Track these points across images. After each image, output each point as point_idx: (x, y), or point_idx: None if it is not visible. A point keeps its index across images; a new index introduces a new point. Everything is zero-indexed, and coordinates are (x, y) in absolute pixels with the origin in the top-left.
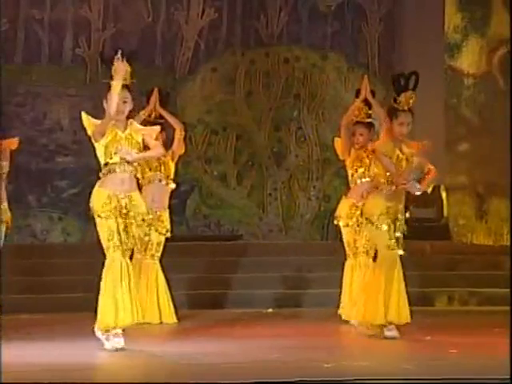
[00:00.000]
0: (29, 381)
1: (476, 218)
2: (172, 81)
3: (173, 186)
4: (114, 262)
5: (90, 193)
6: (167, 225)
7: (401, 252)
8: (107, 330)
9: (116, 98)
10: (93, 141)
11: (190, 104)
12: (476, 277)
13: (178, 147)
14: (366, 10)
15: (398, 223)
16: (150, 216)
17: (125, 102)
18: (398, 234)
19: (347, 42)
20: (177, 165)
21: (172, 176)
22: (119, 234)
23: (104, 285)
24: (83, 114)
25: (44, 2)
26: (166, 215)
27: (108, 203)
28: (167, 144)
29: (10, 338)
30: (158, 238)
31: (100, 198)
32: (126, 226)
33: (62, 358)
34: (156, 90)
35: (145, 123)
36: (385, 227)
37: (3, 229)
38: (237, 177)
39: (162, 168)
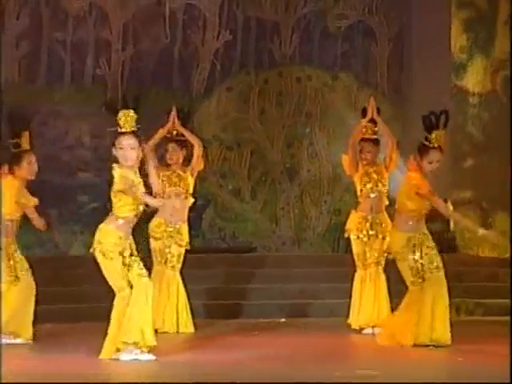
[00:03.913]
0: None
1: None
2: (189, 100)
3: (191, 200)
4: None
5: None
6: (186, 237)
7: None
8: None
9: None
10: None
11: (206, 122)
12: (481, 288)
13: (197, 163)
14: (375, 32)
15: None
16: (170, 229)
17: (132, 149)
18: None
19: (357, 62)
20: (195, 180)
21: (191, 191)
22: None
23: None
24: (118, 169)
25: (66, 25)
26: (185, 228)
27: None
28: (187, 160)
29: (37, 346)
30: (177, 250)
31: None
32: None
33: (79, 366)
34: (175, 108)
35: (165, 141)
36: (410, 259)
37: None
38: (251, 191)
39: (182, 183)
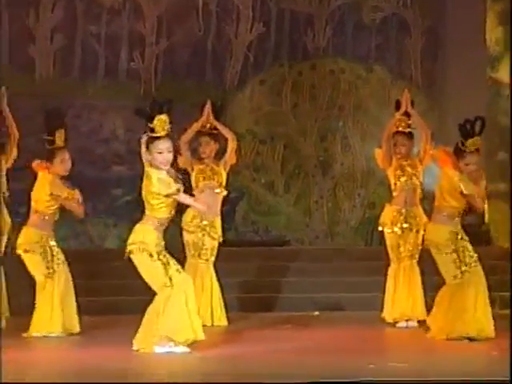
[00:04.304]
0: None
1: None
2: (222, 93)
3: (224, 193)
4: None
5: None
6: (219, 230)
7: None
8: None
9: (200, 205)
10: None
11: (239, 115)
12: None
13: (231, 157)
14: (409, 24)
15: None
16: (204, 222)
17: (169, 152)
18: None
19: (391, 54)
20: (228, 173)
21: (224, 184)
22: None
23: None
24: (155, 172)
25: (100, 18)
26: (218, 221)
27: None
28: (219, 154)
29: (72, 339)
30: (211, 243)
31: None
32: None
33: (114, 359)
34: (209, 102)
35: (198, 134)
36: (453, 252)
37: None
38: (284, 185)
39: (215, 177)
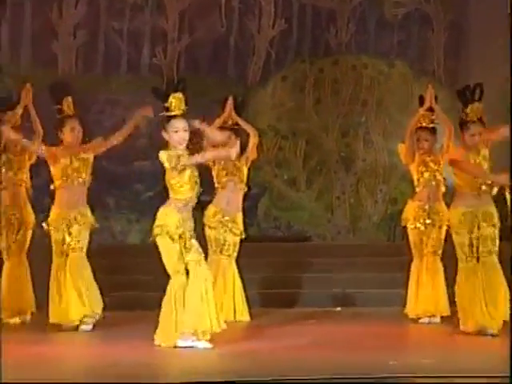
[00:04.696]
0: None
1: None
2: (244, 89)
3: (246, 189)
4: None
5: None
6: (241, 226)
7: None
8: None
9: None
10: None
11: (261, 111)
12: None
13: (252, 152)
14: (431, 19)
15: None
16: (226, 218)
17: (185, 131)
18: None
19: (413, 50)
20: (249, 169)
21: (245, 180)
22: None
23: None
24: (162, 153)
25: (123, 14)
26: (239, 217)
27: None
28: (241, 149)
29: (95, 334)
30: (233, 239)
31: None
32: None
33: (136, 354)
34: (231, 98)
35: (221, 130)
36: (465, 235)
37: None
38: (306, 180)
39: (238, 172)
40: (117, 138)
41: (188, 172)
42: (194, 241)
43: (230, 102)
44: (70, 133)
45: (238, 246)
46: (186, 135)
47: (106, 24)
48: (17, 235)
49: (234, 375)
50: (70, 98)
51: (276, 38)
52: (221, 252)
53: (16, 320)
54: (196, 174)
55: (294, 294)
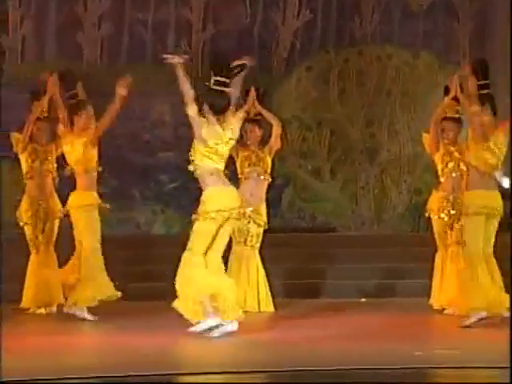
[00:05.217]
0: (129, 368)
1: None
2: (268, 79)
3: (269, 180)
4: None
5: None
6: (264, 217)
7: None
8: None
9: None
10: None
11: (286, 102)
12: None
13: (275, 143)
14: (457, 9)
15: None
16: (250, 209)
17: None
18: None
19: (438, 40)
20: (273, 160)
21: (269, 170)
22: None
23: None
24: None
25: (148, 5)
26: (263, 208)
27: None
28: (264, 140)
29: (116, 324)
30: (256, 230)
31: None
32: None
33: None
34: (253, 88)
35: (244, 121)
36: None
37: None
38: (330, 171)
39: (261, 163)
40: (109, 113)
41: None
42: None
43: (253, 92)
44: (85, 117)
45: (261, 237)
46: None
47: (130, 15)
48: (44, 226)
49: (258, 365)
50: (80, 84)
51: (300, 29)
52: (244, 243)
53: (42, 311)
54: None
55: (318, 285)
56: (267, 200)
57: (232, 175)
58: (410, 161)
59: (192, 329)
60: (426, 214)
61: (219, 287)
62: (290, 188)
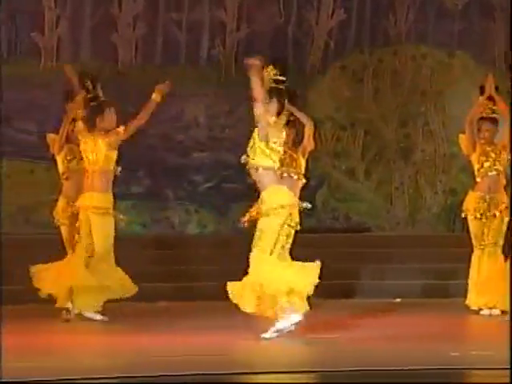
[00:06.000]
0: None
1: None
2: (302, 79)
3: (303, 181)
4: None
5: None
6: (296, 218)
7: None
8: None
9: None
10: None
11: (320, 101)
12: None
13: (309, 143)
14: (492, 8)
15: None
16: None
17: None
18: None
19: (474, 39)
20: (307, 160)
21: (303, 171)
22: None
23: None
24: None
25: (182, 5)
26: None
27: None
28: (296, 140)
29: (151, 324)
30: (287, 231)
31: None
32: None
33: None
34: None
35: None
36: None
37: None
38: (364, 171)
39: (294, 164)
40: (140, 118)
41: None
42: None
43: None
44: (108, 117)
45: (291, 238)
46: None
47: (164, 16)
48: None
49: (300, 365)
50: (99, 86)
51: (334, 29)
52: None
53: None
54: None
55: (353, 285)
56: (301, 200)
57: None
58: (445, 161)
59: (273, 329)
60: (462, 215)
61: (296, 282)
62: (324, 188)
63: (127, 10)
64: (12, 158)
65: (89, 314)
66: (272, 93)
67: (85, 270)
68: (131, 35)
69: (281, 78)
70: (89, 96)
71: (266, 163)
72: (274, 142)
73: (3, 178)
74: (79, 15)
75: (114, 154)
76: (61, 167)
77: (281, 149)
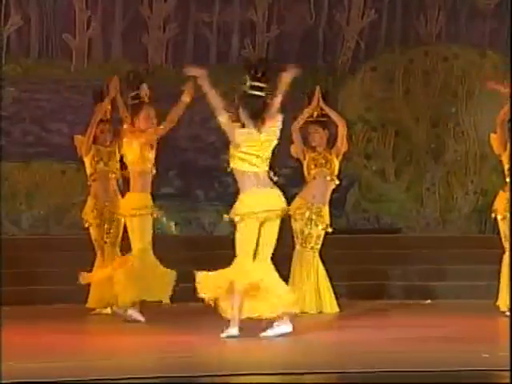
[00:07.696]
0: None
1: None
2: (333, 80)
3: (336, 182)
4: None
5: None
6: (327, 219)
7: None
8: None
9: None
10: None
11: (350, 102)
12: None
13: (342, 144)
14: None
15: None
16: (312, 211)
17: None
18: None
19: (505, 39)
20: (340, 161)
21: (336, 172)
22: None
23: None
24: None
25: (213, 6)
26: (325, 210)
27: None
28: (330, 141)
29: (182, 323)
30: (317, 232)
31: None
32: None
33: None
34: (318, 88)
35: (308, 123)
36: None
37: None
38: (395, 172)
39: (328, 165)
40: (170, 120)
41: None
42: None
43: (318, 93)
44: (145, 119)
45: (321, 239)
46: None
47: (195, 16)
48: (110, 227)
49: (325, 366)
50: (145, 86)
51: (365, 29)
52: (304, 243)
53: (107, 311)
54: None
55: (384, 286)
56: (331, 201)
57: (299, 177)
58: (476, 161)
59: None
60: (492, 215)
61: (262, 279)
62: (354, 189)
63: (158, 11)
64: (44, 159)
65: (128, 313)
66: (247, 99)
67: None
68: (162, 36)
69: (257, 84)
70: (130, 95)
71: (242, 167)
72: (251, 146)
73: (36, 179)
74: (110, 16)
75: (150, 154)
76: (88, 169)
77: (265, 150)
